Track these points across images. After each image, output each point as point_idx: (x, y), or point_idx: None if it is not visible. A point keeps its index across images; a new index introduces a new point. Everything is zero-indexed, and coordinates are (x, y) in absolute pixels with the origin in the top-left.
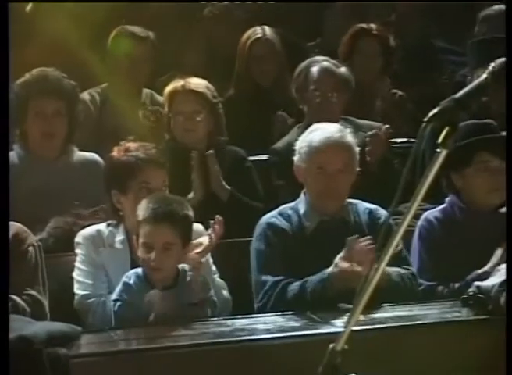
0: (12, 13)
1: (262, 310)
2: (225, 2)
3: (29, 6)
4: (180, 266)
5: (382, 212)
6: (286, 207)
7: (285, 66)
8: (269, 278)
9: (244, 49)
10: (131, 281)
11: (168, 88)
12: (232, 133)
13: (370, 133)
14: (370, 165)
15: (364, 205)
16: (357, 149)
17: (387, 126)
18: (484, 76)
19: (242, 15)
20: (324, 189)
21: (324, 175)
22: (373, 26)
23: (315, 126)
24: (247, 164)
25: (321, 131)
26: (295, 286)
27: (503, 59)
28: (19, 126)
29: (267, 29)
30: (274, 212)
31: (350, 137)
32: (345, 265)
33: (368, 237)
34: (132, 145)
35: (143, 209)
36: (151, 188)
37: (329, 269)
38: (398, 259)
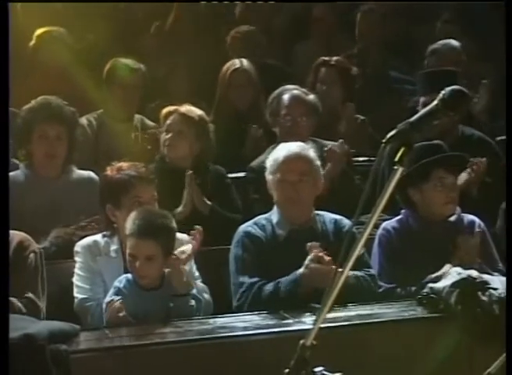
0: (17, 49)
1: (240, 308)
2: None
3: (32, 42)
4: (167, 270)
5: (346, 222)
6: (261, 218)
7: (260, 93)
8: (246, 280)
9: (224, 78)
10: (121, 285)
11: (164, 111)
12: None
13: (326, 148)
14: (331, 179)
15: (330, 216)
16: (318, 163)
17: (341, 140)
18: (435, 102)
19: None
20: (286, 197)
21: (285, 184)
22: (334, 58)
23: (281, 144)
24: (227, 181)
25: (284, 147)
26: (269, 286)
27: (452, 87)
28: (24, 147)
29: (244, 61)
30: (250, 222)
31: (309, 152)
32: (314, 266)
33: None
34: (124, 164)
35: (129, 224)
36: (142, 202)
37: (300, 271)
38: (361, 264)
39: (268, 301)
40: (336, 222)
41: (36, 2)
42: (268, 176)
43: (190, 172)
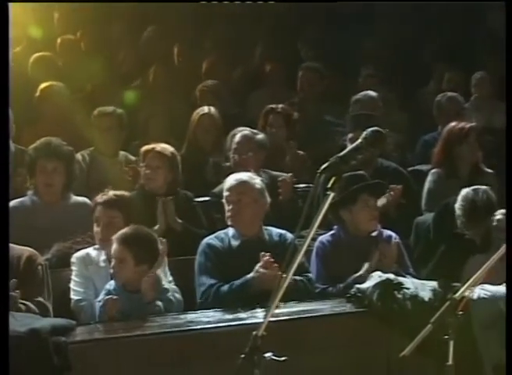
0: (25, 99)
1: (202, 305)
2: None
3: (37, 93)
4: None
5: (289, 236)
6: (220, 232)
7: (222, 133)
8: (206, 281)
9: (194, 121)
10: (111, 288)
11: (143, 148)
12: (184, 182)
13: (279, 179)
14: (282, 201)
15: (276, 230)
16: (258, 187)
17: (291, 174)
18: (359, 141)
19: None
20: (230, 213)
21: (229, 203)
22: (279, 105)
23: (233, 174)
24: (194, 203)
25: (231, 176)
26: (225, 287)
27: (372, 129)
28: (30, 178)
29: (211, 108)
30: (211, 236)
31: (249, 178)
32: (262, 271)
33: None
34: (110, 192)
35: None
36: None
37: (251, 275)
38: (301, 270)
39: (224, 300)
40: (281, 235)
41: (36, 2)
42: (224, 200)
43: (170, 198)
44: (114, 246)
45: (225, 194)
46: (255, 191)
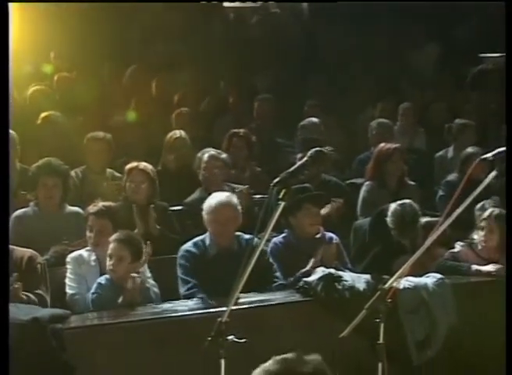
0: (29, 127)
1: (186, 297)
2: None
3: (39, 121)
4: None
5: (256, 240)
6: (198, 239)
7: (191, 154)
8: (190, 280)
9: (168, 143)
10: (103, 282)
11: (127, 166)
12: (160, 194)
13: (237, 190)
14: (241, 209)
15: (244, 237)
16: (239, 207)
17: (247, 186)
18: (305, 159)
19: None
20: (216, 232)
21: (216, 223)
22: (241, 130)
23: (214, 194)
24: (169, 212)
25: (216, 196)
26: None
27: (316, 149)
28: (33, 191)
29: (182, 132)
30: (190, 243)
31: (233, 199)
32: None
33: None
34: (100, 203)
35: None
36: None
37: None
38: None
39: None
40: (247, 240)
41: (36, 2)
42: (205, 216)
43: (152, 206)
44: (113, 246)
45: (209, 213)
46: (236, 210)
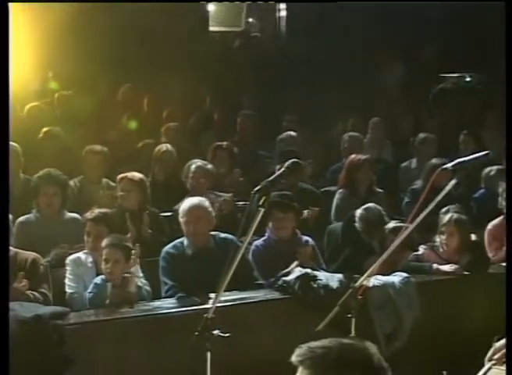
0: (31, 141)
1: (167, 297)
2: None
3: (40, 135)
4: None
5: (231, 237)
6: (177, 241)
7: (178, 165)
8: (168, 282)
9: (156, 155)
10: (99, 282)
11: (118, 176)
12: (152, 201)
13: (221, 199)
14: (225, 214)
15: (220, 235)
16: (210, 209)
17: (231, 194)
18: (283, 169)
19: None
20: (189, 232)
21: (188, 224)
22: (224, 143)
23: (187, 199)
24: (160, 218)
25: (188, 200)
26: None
27: (293, 160)
28: (35, 200)
29: (168, 145)
30: (170, 245)
31: (203, 203)
32: None
33: None
34: (96, 210)
35: (105, 241)
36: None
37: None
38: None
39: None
40: (225, 239)
41: (36, 3)
42: (180, 219)
43: (147, 212)
44: (107, 251)
45: (183, 216)
46: (207, 212)
